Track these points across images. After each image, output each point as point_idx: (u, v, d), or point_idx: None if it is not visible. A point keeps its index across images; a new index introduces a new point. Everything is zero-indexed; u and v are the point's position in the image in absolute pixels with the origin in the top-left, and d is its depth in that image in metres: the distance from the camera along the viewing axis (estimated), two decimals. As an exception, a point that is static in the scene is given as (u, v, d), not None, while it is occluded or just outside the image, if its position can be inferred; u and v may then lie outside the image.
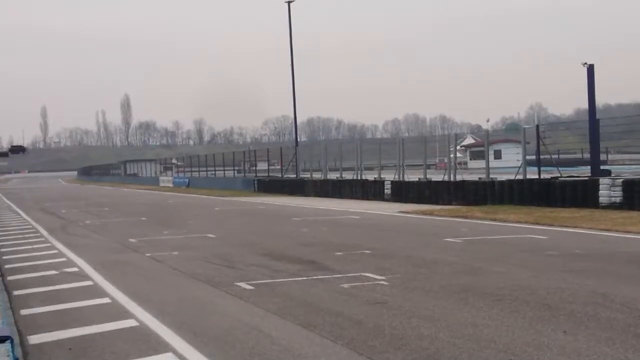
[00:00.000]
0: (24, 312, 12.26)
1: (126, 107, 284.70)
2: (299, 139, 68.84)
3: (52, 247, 22.09)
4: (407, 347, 9.07)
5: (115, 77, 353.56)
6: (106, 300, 13.13)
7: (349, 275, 14.81)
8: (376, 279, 14.16)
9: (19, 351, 9.58)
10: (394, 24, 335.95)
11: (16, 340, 10.20)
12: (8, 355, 2.58)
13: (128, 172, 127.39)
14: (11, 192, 79.40)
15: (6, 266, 16.83)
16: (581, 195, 30.32)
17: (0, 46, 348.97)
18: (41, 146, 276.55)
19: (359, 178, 47.74)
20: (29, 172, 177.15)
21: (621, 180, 29.48)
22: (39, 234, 26.63)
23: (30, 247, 21.12)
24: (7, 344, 2.72)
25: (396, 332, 9.82)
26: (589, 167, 35.81)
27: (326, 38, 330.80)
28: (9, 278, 15.86)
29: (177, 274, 16.12)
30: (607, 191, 29.33)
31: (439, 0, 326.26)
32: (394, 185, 42.46)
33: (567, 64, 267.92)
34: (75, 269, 17.30)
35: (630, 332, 9.45)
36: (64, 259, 19.23)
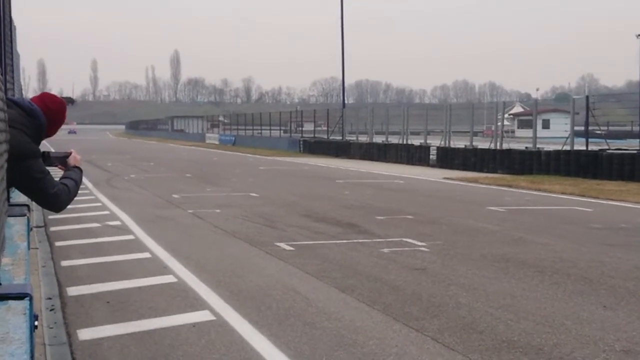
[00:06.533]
0: (64, 263, 12.38)
1: (176, 63, 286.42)
2: (346, 101, 68.72)
3: (96, 200, 22.28)
4: (444, 315, 9.02)
5: (166, 32, 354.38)
6: (146, 255, 13.20)
7: (390, 240, 14.77)
8: (417, 245, 14.10)
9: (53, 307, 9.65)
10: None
11: (55, 291, 10.31)
12: (24, 314, 2.54)
13: (175, 127, 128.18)
14: (57, 144, 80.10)
15: (50, 217, 16.96)
16: (629, 169, 29.95)
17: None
18: (90, 99, 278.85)
19: (404, 143, 47.57)
20: (77, 124, 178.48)
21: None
22: (83, 186, 26.73)
23: (74, 198, 21.14)
24: (26, 301, 2.68)
25: (434, 300, 9.77)
26: (638, 140, 35.37)
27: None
28: (52, 229, 16.02)
29: (218, 231, 16.17)
30: (656, 165, 28.93)
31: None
32: (440, 151, 42.31)
33: (621, 35, 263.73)
34: (117, 223, 17.42)
35: (672, 309, 9.32)
36: (107, 212, 19.37)
